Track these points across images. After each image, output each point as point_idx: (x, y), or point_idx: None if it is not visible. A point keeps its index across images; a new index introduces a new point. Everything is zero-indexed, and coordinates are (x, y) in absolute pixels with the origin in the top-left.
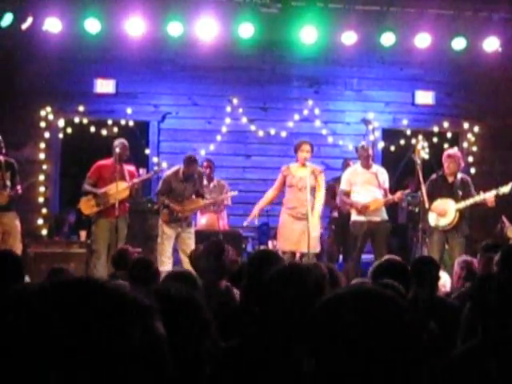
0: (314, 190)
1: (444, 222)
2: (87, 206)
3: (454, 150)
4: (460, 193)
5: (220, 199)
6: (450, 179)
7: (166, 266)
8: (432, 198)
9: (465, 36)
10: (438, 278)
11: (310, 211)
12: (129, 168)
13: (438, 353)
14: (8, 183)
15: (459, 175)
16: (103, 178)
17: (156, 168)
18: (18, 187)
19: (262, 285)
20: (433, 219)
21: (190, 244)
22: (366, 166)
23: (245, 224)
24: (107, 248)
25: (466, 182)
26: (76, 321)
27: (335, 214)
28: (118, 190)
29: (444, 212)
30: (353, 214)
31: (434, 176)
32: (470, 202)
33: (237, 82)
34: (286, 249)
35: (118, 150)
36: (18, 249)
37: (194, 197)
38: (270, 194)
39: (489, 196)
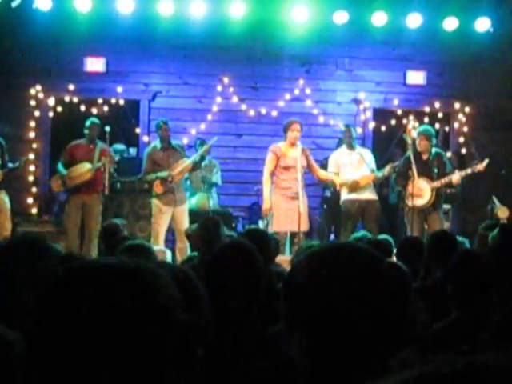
0: (305, 168)
1: (421, 202)
2: (55, 185)
3: (424, 126)
4: (435, 170)
5: (206, 148)
6: (425, 156)
7: (160, 245)
8: (407, 176)
9: (456, 16)
10: (423, 257)
11: (301, 191)
12: (103, 147)
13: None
14: None
15: (434, 151)
16: (75, 158)
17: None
18: (10, 165)
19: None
20: (410, 199)
21: (185, 221)
22: (351, 147)
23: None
24: (79, 226)
25: (441, 158)
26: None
27: (327, 193)
28: (81, 171)
29: (420, 192)
30: (343, 193)
31: (408, 153)
32: (445, 181)
33: (228, 61)
34: (283, 229)
35: (86, 130)
36: (8, 227)
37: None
38: (270, 181)
39: (457, 177)
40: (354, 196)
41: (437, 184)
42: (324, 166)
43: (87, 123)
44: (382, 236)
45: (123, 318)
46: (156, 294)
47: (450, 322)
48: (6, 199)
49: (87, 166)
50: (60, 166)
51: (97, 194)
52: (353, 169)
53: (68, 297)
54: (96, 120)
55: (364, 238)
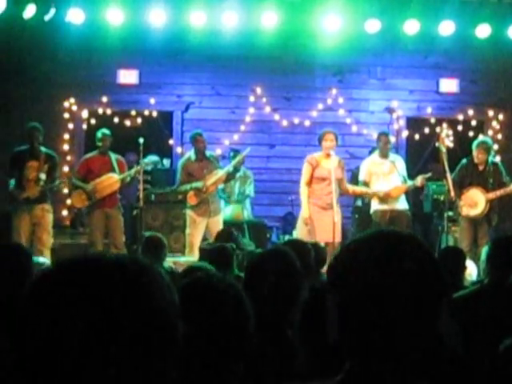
0: (339, 180)
1: (474, 212)
2: (79, 200)
3: (483, 139)
4: (491, 180)
5: (239, 159)
6: (481, 167)
7: (195, 256)
8: (462, 185)
9: (489, 23)
10: (464, 268)
11: (335, 202)
12: (117, 157)
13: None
14: (42, 176)
15: (490, 160)
16: (92, 171)
17: (144, 162)
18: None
19: None
20: (464, 208)
21: None
22: (385, 156)
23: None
24: (103, 238)
25: (498, 167)
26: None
27: (358, 202)
28: (109, 182)
29: (474, 203)
30: (374, 204)
31: (464, 161)
32: (500, 193)
33: (260, 71)
34: (314, 239)
35: (99, 142)
36: (47, 241)
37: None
38: (307, 190)
39: None
40: (384, 206)
41: (492, 195)
42: (355, 174)
43: (99, 135)
44: None
45: (109, 316)
46: (148, 293)
47: None
48: (47, 214)
49: (114, 176)
50: (79, 182)
51: (117, 205)
52: (384, 178)
53: (53, 293)
54: (107, 131)
55: None
